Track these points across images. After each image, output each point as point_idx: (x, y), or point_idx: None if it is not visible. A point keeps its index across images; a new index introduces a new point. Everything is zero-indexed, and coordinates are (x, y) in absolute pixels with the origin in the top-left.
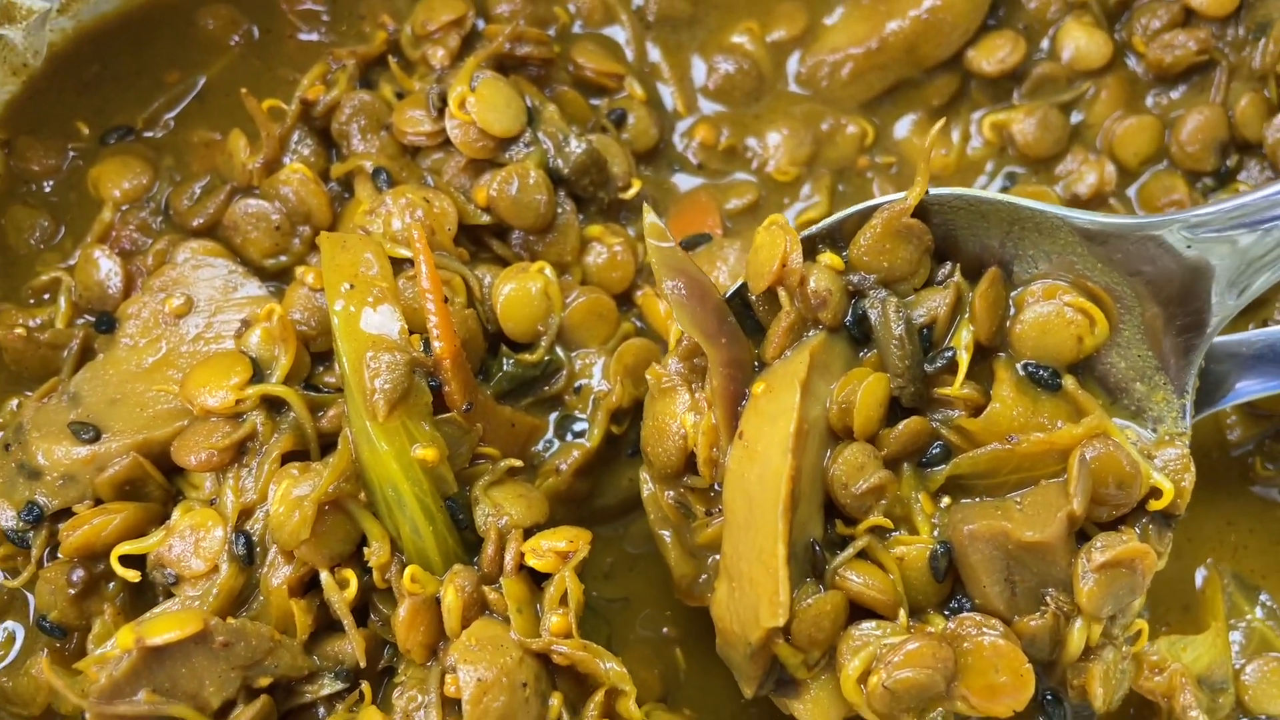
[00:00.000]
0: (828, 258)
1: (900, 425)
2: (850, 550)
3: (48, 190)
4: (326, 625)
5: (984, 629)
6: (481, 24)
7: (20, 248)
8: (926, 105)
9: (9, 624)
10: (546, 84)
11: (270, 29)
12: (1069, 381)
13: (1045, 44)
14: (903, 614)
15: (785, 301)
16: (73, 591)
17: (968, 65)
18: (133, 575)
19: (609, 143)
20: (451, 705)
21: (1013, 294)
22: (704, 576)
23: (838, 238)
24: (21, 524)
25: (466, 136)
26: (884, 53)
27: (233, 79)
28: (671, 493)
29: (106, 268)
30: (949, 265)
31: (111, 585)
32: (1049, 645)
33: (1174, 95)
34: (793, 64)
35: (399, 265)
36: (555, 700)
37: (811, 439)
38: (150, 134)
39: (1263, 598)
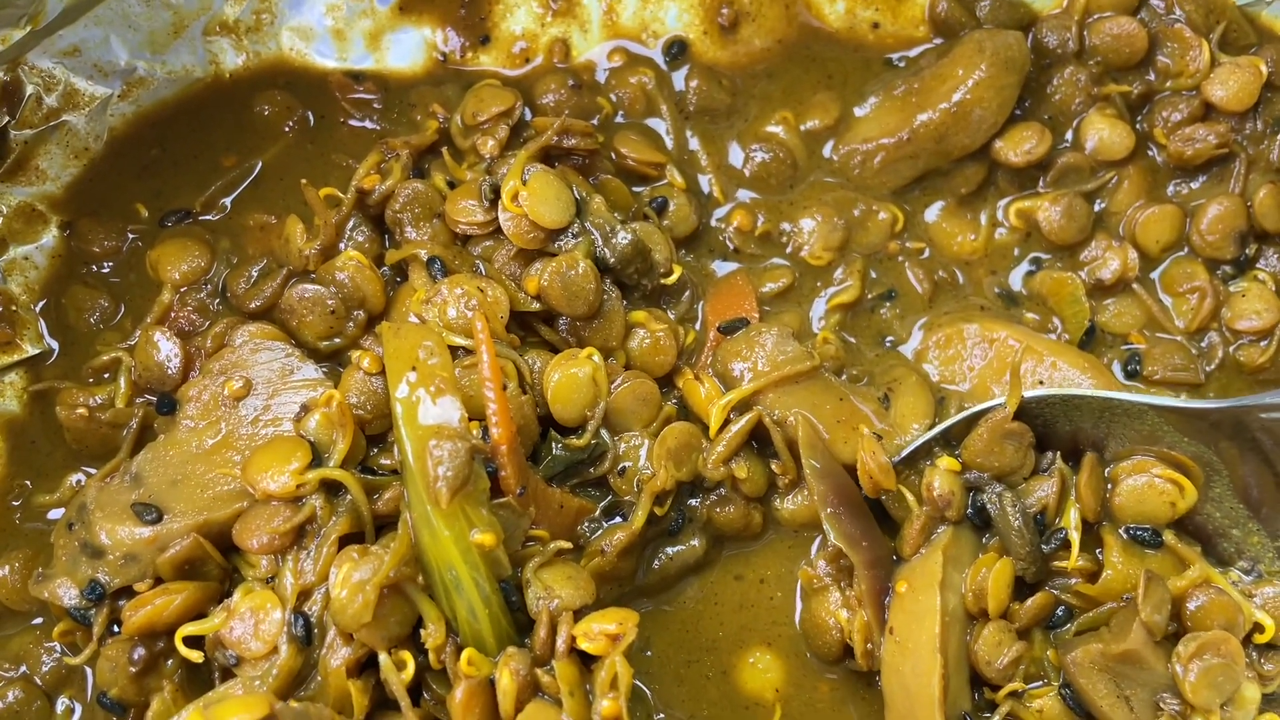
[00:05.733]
0: (945, 462)
1: (1029, 601)
2: (996, 717)
3: (107, 271)
4: (381, 704)
5: None
6: (529, 114)
7: (81, 327)
8: (955, 193)
9: (67, 700)
10: (591, 172)
11: (324, 115)
12: (1169, 537)
13: (1069, 135)
14: None
15: (914, 505)
16: (133, 669)
17: (995, 155)
18: (196, 656)
19: (651, 230)
20: None
21: (1108, 470)
22: None
23: (949, 438)
24: (84, 602)
25: (519, 228)
26: (914, 143)
27: (287, 163)
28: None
29: (167, 349)
30: (1050, 455)
31: (170, 663)
32: None
33: (1194, 185)
34: (826, 152)
35: (454, 352)
36: None
37: (953, 627)
38: (207, 217)
39: None
